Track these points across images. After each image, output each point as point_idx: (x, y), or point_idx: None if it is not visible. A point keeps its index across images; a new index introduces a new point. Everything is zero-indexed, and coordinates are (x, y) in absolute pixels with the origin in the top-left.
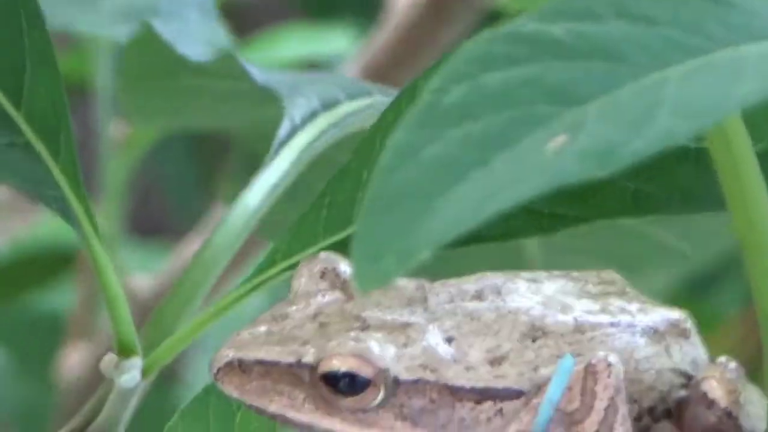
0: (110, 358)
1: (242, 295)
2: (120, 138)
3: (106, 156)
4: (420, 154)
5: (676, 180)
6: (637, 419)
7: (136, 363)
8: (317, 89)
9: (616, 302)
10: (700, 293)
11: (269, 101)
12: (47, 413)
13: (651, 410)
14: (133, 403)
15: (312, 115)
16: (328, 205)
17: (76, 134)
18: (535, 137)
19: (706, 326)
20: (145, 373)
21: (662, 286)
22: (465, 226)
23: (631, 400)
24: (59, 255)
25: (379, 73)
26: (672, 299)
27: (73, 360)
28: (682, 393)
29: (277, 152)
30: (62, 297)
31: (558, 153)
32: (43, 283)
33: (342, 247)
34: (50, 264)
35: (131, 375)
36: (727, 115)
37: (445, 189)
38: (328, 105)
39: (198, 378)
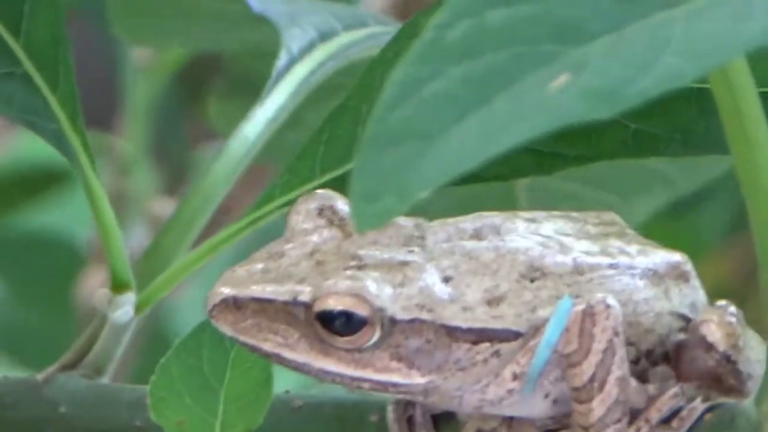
0: (103, 293)
1: (239, 231)
2: (143, 62)
3: (129, 80)
4: (421, 91)
5: (677, 121)
6: (634, 362)
7: (129, 298)
8: (314, 20)
9: (615, 243)
10: (683, 219)
11: (265, 22)
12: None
13: (649, 353)
14: (126, 338)
15: (309, 47)
16: (326, 141)
17: (102, 58)
18: (538, 76)
19: (690, 254)
20: (138, 308)
21: (645, 213)
22: (465, 166)
23: (629, 343)
24: (45, 173)
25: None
26: (655, 224)
27: (89, 287)
28: (681, 336)
29: (275, 84)
30: (51, 217)
31: (561, 92)
32: (30, 202)
33: (340, 184)
34: (36, 183)
35: (124, 310)
36: (735, 55)
37: (446, 127)
38: (325, 36)
39: (194, 315)
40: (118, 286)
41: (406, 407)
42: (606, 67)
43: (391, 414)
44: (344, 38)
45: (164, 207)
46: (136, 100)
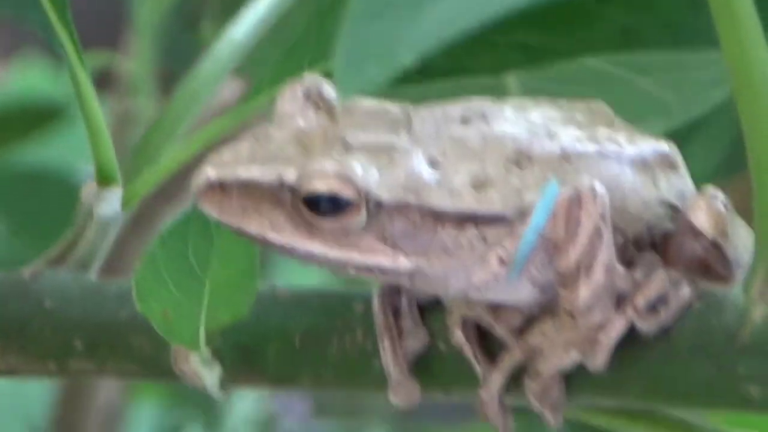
0: (90, 187)
1: (227, 125)
2: None
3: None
4: None
5: (667, 15)
6: (621, 249)
7: (116, 193)
8: None
9: (603, 132)
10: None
11: None
12: None
13: (636, 240)
14: (113, 233)
15: None
16: (315, 35)
17: None
18: None
19: None
20: (125, 203)
21: None
22: (447, 33)
23: (616, 230)
24: (44, 108)
25: None
26: None
27: None
28: (669, 225)
29: None
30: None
31: None
32: (30, 138)
33: (328, 78)
34: (35, 117)
35: (111, 205)
36: None
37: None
38: None
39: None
40: (104, 179)
41: (391, 296)
42: None
43: (376, 303)
44: None
45: None
46: (142, 21)
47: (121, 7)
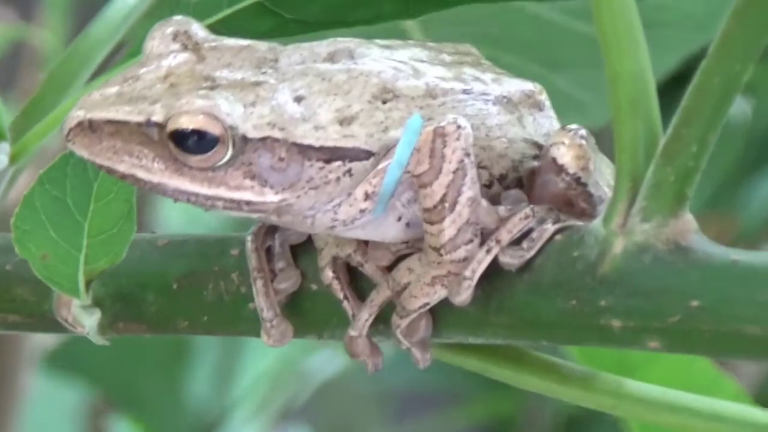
0: None
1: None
2: None
3: None
4: None
5: None
6: (487, 186)
7: (3, 147)
8: None
9: (469, 71)
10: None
11: None
12: None
13: (501, 178)
14: (1, 188)
15: None
16: None
17: None
18: None
19: None
20: (14, 158)
21: None
22: None
23: (482, 167)
24: None
25: None
26: None
27: None
28: (535, 163)
29: None
30: None
31: None
32: None
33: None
34: None
35: (1, 158)
36: None
37: None
38: None
39: None
40: None
41: (264, 237)
42: None
43: (249, 244)
44: None
45: None
46: None
47: None
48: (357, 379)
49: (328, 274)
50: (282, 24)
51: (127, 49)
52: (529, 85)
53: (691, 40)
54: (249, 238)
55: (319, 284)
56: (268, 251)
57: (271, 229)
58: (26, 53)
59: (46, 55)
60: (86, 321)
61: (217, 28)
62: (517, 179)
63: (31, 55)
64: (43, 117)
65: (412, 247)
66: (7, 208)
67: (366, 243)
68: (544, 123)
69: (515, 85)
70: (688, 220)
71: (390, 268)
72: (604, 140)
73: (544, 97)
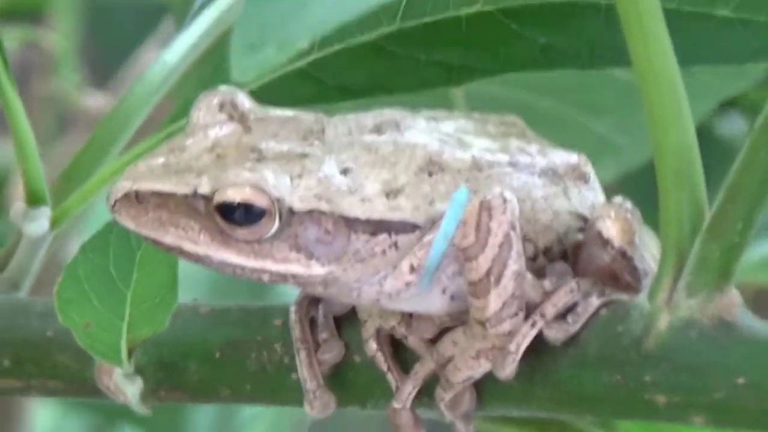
0: (18, 206)
1: (155, 145)
2: None
3: None
4: None
5: (584, 34)
6: (532, 258)
7: (44, 212)
8: None
9: (515, 143)
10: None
11: None
12: None
13: (547, 250)
14: (42, 252)
15: None
16: None
17: None
18: None
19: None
20: (54, 222)
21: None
22: (341, 17)
23: (527, 240)
24: None
25: None
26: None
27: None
28: (579, 236)
29: (197, 14)
30: None
31: None
32: None
33: (253, 96)
34: None
35: (39, 224)
36: None
37: None
38: None
39: None
40: (33, 199)
41: (308, 308)
42: None
43: (293, 315)
44: None
45: (97, 100)
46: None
47: None
48: None
49: (372, 346)
50: (324, 90)
51: (169, 113)
52: (574, 157)
53: (728, 84)
54: (293, 308)
55: (363, 355)
56: (312, 322)
57: (315, 300)
58: (37, 57)
59: (57, 58)
60: (128, 389)
61: (259, 94)
62: (561, 252)
63: (43, 60)
64: (84, 179)
65: (456, 319)
66: (51, 272)
67: (410, 315)
68: (589, 195)
69: (560, 157)
70: (733, 294)
71: (434, 341)
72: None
73: (589, 169)
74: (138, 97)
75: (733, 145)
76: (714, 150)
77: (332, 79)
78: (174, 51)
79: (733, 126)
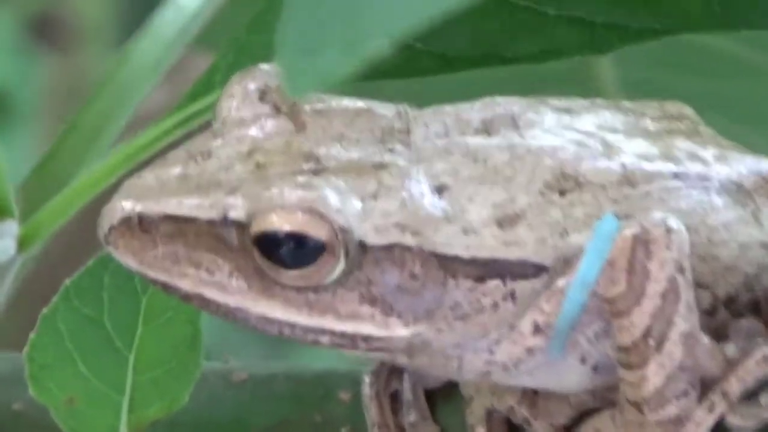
0: None
1: (164, 135)
2: None
3: None
4: None
5: None
6: (709, 312)
7: (10, 228)
8: None
9: (683, 145)
10: None
11: None
12: None
13: (729, 301)
14: (9, 279)
15: None
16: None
17: None
18: None
19: None
20: (23, 242)
21: None
22: (430, 12)
23: (701, 285)
24: None
25: None
26: None
27: None
28: None
29: None
30: None
31: None
32: None
33: None
34: None
35: (5, 244)
36: None
37: None
38: None
39: None
40: None
41: (389, 378)
42: None
43: (368, 388)
44: None
45: None
46: None
47: None
48: None
49: None
50: (412, 58)
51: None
52: (766, 165)
53: None
54: (368, 378)
55: None
56: (394, 398)
57: (398, 368)
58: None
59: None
60: None
61: None
62: (751, 302)
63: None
64: (62, 182)
65: (601, 399)
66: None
67: (535, 392)
68: None
69: (748, 166)
70: None
71: (569, 428)
72: None
73: None
74: (139, 61)
75: None
76: None
77: (424, 42)
78: None
79: None
